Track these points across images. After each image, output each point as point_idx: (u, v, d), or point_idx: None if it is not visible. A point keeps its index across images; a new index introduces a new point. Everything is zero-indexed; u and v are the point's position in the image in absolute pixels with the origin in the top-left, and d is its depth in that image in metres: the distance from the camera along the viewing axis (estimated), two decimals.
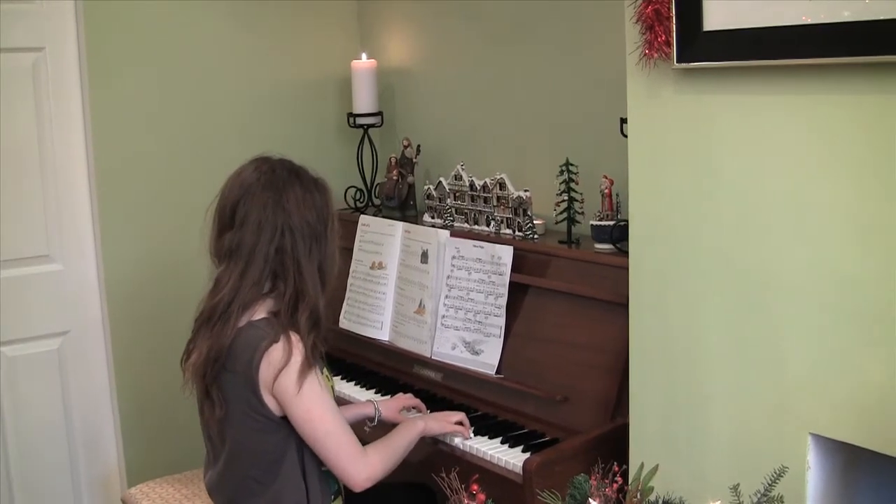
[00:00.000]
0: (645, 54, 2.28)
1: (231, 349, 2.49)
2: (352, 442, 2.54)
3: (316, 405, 2.49)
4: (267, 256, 2.50)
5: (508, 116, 3.70)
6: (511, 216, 3.32)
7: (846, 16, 1.90)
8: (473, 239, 3.26)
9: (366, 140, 4.15)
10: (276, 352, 2.46)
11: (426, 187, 3.69)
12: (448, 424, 2.86)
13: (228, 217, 2.56)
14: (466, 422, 2.90)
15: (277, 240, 2.50)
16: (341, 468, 2.53)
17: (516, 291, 3.11)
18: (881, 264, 1.95)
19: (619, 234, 2.92)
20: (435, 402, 3.16)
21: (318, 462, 2.58)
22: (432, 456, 2.85)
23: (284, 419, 2.52)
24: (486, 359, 3.11)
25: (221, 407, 2.52)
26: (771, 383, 2.18)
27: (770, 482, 1.77)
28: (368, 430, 2.96)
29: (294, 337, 2.48)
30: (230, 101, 4.01)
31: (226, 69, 3.99)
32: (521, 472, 2.63)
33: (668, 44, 2.23)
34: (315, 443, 2.52)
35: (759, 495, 1.76)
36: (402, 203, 3.92)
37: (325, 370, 2.65)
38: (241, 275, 2.51)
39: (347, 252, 3.57)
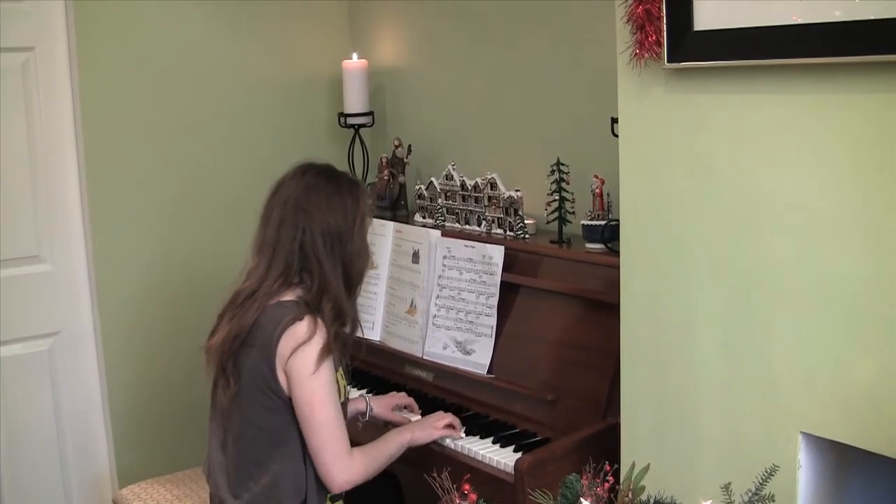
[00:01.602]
0: (635, 54, 2.28)
1: (255, 324, 2.55)
2: (343, 440, 2.56)
3: (321, 391, 2.52)
4: (291, 252, 2.59)
5: (499, 116, 3.70)
6: (502, 216, 3.32)
7: (837, 15, 1.91)
8: (464, 239, 3.26)
9: (357, 140, 4.14)
10: (299, 328, 2.51)
11: (417, 187, 3.69)
12: (436, 431, 2.85)
13: (262, 214, 2.66)
14: (458, 423, 2.90)
15: (299, 237, 2.58)
16: (325, 462, 2.54)
17: (507, 291, 3.11)
18: (872, 263, 1.95)
19: (609, 234, 2.93)
20: (426, 401, 3.15)
21: None
22: (423, 455, 2.85)
23: (292, 402, 2.54)
24: (478, 358, 3.11)
25: (235, 382, 2.57)
26: (762, 382, 2.18)
27: (761, 481, 1.77)
28: (361, 426, 2.96)
29: (320, 320, 2.54)
30: (221, 100, 4.00)
31: (216, 69, 3.99)
32: (513, 472, 2.63)
33: (659, 43, 2.23)
34: (308, 428, 2.53)
35: (750, 494, 1.76)
36: (393, 203, 3.92)
37: (340, 369, 2.67)
38: (267, 268, 2.60)
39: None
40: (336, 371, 2.62)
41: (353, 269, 2.65)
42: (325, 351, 2.52)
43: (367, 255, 2.71)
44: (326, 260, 2.59)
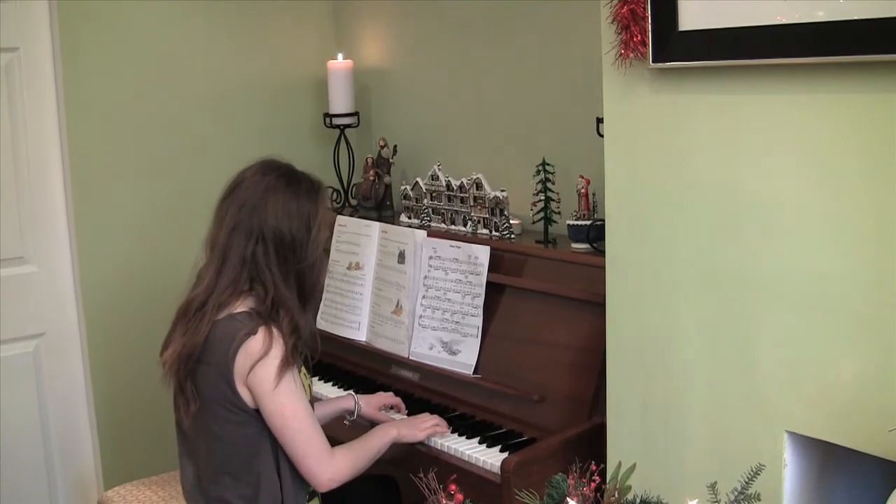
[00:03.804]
0: (621, 54, 2.28)
1: (208, 341, 2.49)
2: (321, 442, 2.55)
3: (289, 402, 2.49)
4: (242, 260, 2.52)
5: (485, 116, 3.71)
6: (488, 216, 3.32)
7: (820, 16, 1.92)
8: (450, 239, 3.26)
9: (342, 140, 4.14)
10: (253, 343, 2.46)
11: (403, 187, 3.69)
12: (422, 431, 2.85)
13: (216, 211, 2.59)
14: (444, 424, 2.91)
15: (251, 247, 2.52)
16: (307, 466, 2.53)
17: (493, 291, 3.11)
18: (855, 262, 1.96)
19: (595, 234, 2.93)
20: (412, 402, 3.15)
21: None
22: (410, 456, 2.85)
23: (259, 412, 2.52)
24: (464, 359, 3.11)
25: (195, 401, 2.53)
26: (747, 381, 2.19)
27: (747, 480, 1.77)
28: (348, 424, 2.96)
29: (276, 332, 2.49)
30: (206, 101, 4.00)
31: (201, 69, 3.98)
32: (499, 472, 2.63)
33: (644, 44, 2.24)
34: (283, 438, 2.52)
35: (736, 493, 1.76)
36: (378, 203, 3.92)
37: (303, 369, 2.65)
38: (217, 273, 2.54)
39: (324, 252, 3.57)
40: (299, 371, 2.59)
41: (306, 281, 2.59)
42: (284, 364, 2.47)
43: (323, 266, 2.64)
44: (278, 272, 2.53)
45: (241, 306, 2.53)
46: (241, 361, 2.46)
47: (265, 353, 2.45)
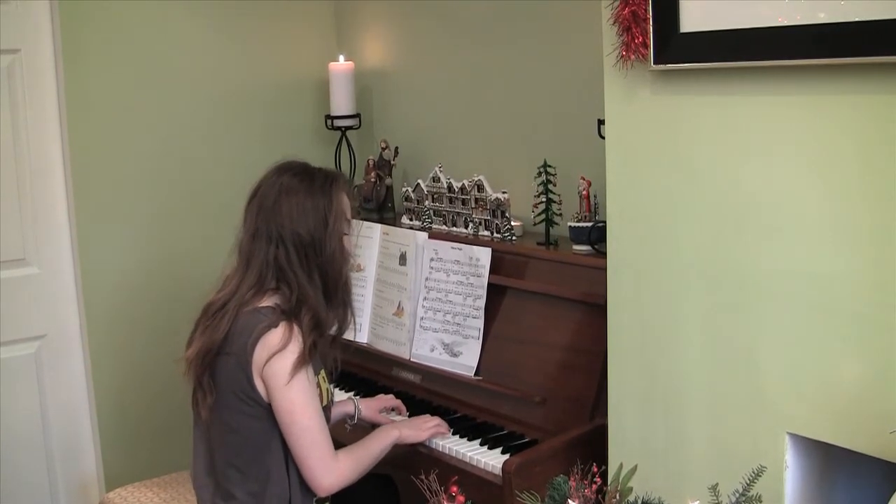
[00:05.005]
0: (622, 56, 2.28)
1: (230, 333, 2.53)
2: (326, 444, 2.55)
3: (299, 398, 2.50)
4: (265, 265, 2.56)
5: (486, 118, 3.71)
6: (489, 218, 3.32)
7: (821, 17, 1.92)
8: (451, 241, 3.26)
9: (344, 142, 4.14)
10: (273, 336, 2.48)
11: (404, 189, 3.69)
12: (424, 432, 2.85)
13: (243, 217, 2.64)
14: (444, 425, 2.90)
15: (273, 251, 2.56)
16: (309, 467, 2.54)
17: (495, 293, 3.11)
18: (857, 263, 1.96)
19: (596, 236, 2.93)
20: (414, 404, 3.15)
21: None
22: (411, 457, 2.85)
23: (271, 407, 2.53)
24: (465, 360, 3.11)
25: (212, 393, 2.56)
26: (748, 383, 2.19)
27: (748, 481, 1.77)
28: (349, 429, 2.96)
29: (296, 328, 2.51)
30: (207, 102, 4.00)
31: (203, 71, 3.98)
32: (501, 474, 2.63)
33: (645, 45, 2.24)
34: (290, 435, 2.52)
35: (737, 495, 1.76)
36: (380, 205, 3.91)
37: (321, 373, 2.66)
38: (240, 280, 2.58)
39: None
40: (318, 374, 2.61)
41: (329, 275, 2.61)
42: (300, 360, 2.49)
43: (345, 256, 2.65)
44: (302, 272, 2.56)
45: (267, 301, 2.56)
46: (259, 353, 2.48)
47: (283, 347, 2.48)
